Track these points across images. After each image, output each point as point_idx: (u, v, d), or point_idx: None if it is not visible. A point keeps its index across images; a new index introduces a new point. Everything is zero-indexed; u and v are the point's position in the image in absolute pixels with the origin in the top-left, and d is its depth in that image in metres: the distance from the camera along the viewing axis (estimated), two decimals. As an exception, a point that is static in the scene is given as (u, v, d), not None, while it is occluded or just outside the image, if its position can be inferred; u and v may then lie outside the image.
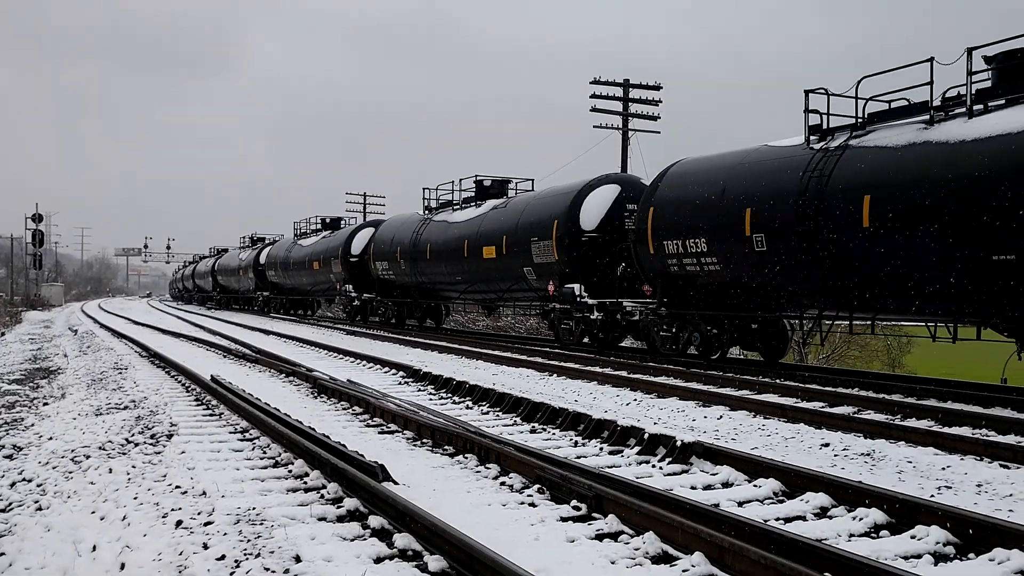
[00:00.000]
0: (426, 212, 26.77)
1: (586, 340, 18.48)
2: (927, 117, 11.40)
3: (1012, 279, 10.11)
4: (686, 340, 15.50)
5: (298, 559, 4.62)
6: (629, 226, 17.37)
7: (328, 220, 37.82)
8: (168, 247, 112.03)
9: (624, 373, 13.41)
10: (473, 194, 24.20)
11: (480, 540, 4.46)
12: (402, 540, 4.84)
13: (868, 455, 7.45)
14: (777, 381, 12.05)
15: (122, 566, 4.64)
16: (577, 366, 14.41)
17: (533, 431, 8.75)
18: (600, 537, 5.07)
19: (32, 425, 9.67)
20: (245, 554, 4.70)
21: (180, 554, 4.74)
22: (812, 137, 13.06)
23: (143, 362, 16.69)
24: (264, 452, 7.58)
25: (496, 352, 16.99)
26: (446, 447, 7.74)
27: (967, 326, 11.58)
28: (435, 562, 4.50)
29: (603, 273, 18.09)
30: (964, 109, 10.96)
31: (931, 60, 11.39)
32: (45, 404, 11.60)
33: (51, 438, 8.53)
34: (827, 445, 7.89)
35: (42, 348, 23.01)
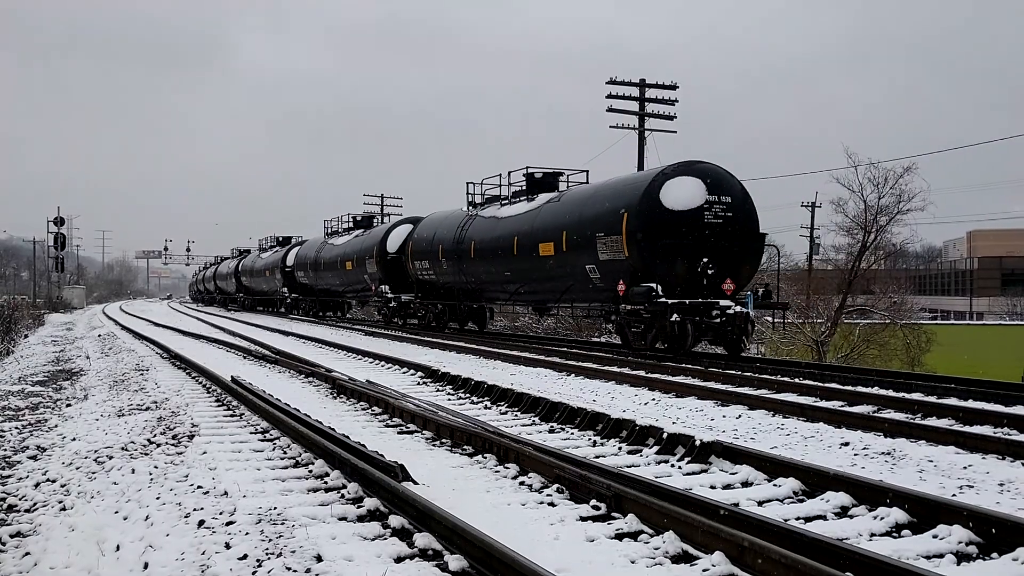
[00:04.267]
0: (325, 237, 38.38)
1: (395, 319, 29.05)
2: (499, 204, 22.51)
3: (517, 286, 21.32)
4: (428, 317, 27.09)
5: (319, 558, 4.66)
6: (411, 250, 28.76)
7: (281, 239, 48.98)
8: (188, 249, 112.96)
9: (642, 373, 13.39)
10: (351, 225, 36.01)
11: (500, 540, 4.47)
12: (422, 540, 4.86)
13: (888, 454, 7.40)
14: (796, 380, 12.02)
15: (145, 565, 4.68)
16: (595, 366, 14.42)
17: (552, 431, 8.76)
18: (620, 537, 5.08)
19: (55, 426, 9.78)
20: (267, 553, 4.74)
21: (203, 554, 4.78)
22: (471, 207, 24.12)
23: (164, 363, 16.82)
24: (284, 452, 7.63)
25: (514, 352, 17.07)
26: (465, 447, 7.77)
27: (525, 307, 24.40)
28: (455, 562, 4.52)
29: (400, 278, 28.67)
30: (508, 201, 22.22)
31: (500, 175, 23.07)
32: (68, 405, 11.72)
33: (74, 439, 8.62)
34: (847, 444, 7.85)
35: (64, 350, 23.25)
